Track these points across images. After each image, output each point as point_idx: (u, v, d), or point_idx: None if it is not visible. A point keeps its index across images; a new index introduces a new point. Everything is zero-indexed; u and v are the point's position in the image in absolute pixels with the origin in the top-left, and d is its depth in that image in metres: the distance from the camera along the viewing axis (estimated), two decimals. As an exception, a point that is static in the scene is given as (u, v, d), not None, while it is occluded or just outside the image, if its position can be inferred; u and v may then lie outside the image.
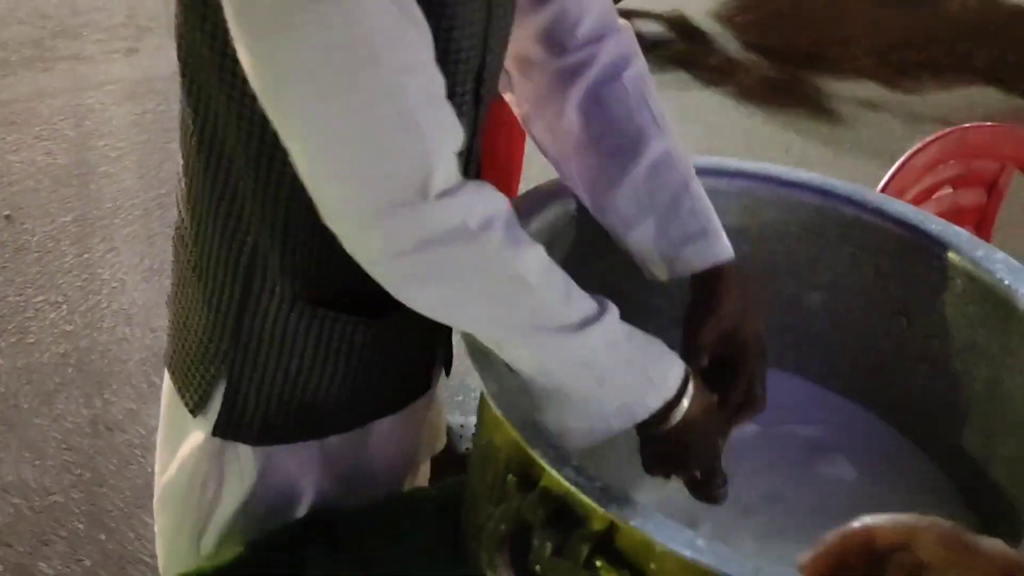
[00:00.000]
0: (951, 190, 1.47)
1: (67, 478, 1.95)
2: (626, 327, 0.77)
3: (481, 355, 0.76)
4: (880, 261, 1.00)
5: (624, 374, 0.76)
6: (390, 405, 0.97)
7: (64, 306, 2.38)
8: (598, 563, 0.68)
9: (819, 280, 1.04)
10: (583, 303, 0.75)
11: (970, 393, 0.95)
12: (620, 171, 0.89)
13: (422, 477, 1.13)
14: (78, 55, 3.53)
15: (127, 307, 2.40)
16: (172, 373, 0.94)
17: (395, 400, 0.98)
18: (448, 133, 0.71)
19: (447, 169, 0.70)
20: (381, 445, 0.99)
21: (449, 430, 1.45)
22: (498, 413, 0.72)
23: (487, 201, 0.72)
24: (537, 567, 0.76)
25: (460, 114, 0.74)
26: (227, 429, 0.90)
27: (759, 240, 1.03)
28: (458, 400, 2.06)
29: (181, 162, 0.85)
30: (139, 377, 2.20)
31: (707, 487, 0.84)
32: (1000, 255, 0.93)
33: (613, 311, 0.77)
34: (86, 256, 2.56)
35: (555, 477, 0.69)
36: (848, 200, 0.99)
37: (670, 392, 0.77)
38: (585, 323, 0.74)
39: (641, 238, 0.89)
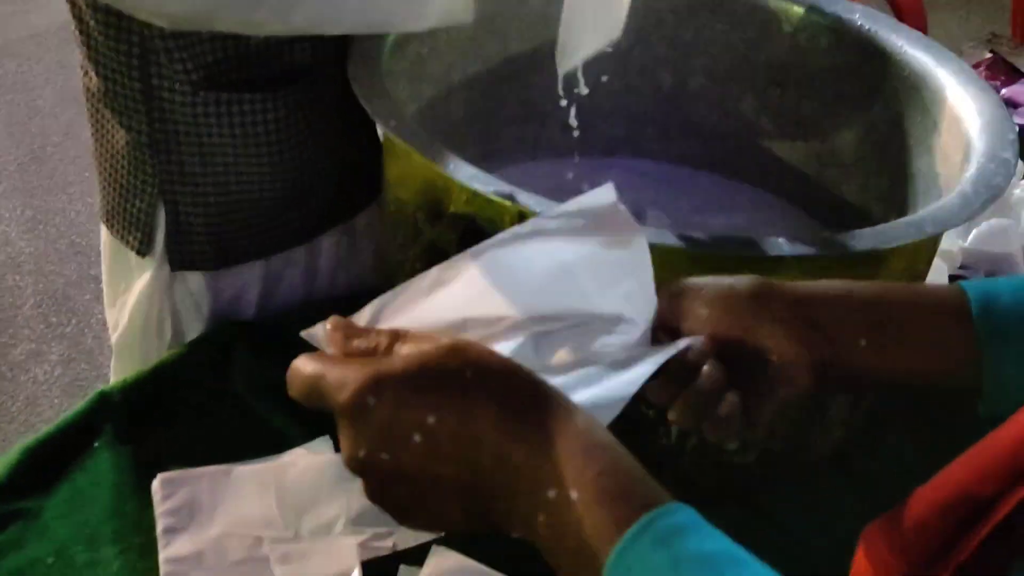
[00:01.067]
0: None
1: (-26, 422, 1.89)
2: None
3: (368, 93, 0.78)
4: (749, 34, 1.05)
5: None
6: (332, 214, 0.98)
7: (-52, 263, 2.30)
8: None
9: (696, 64, 1.09)
10: None
11: (842, 145, 1.01)
12: None
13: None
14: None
15: (15, 256, 2.33)
16: (111, 227, 0.94)
17: (337, 209, 0.98)
18: None
19: None
20: (327, 269, 1.01)
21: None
22: (400, 142, 0.74)
23: None
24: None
25: None
26: (179, 257, 0.91)
27: (636, 32, 1.07)
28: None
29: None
30: (37, 320, 2.15)
31: None
32: (858, 5, 0.99)
33: None
34: (-35, 214, 2.47)
35: (461, 196, 0.72)
36: (713, -24, 1.04)
37: None
38: None
39: None
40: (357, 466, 0.44)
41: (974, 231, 1.15)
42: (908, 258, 0.74)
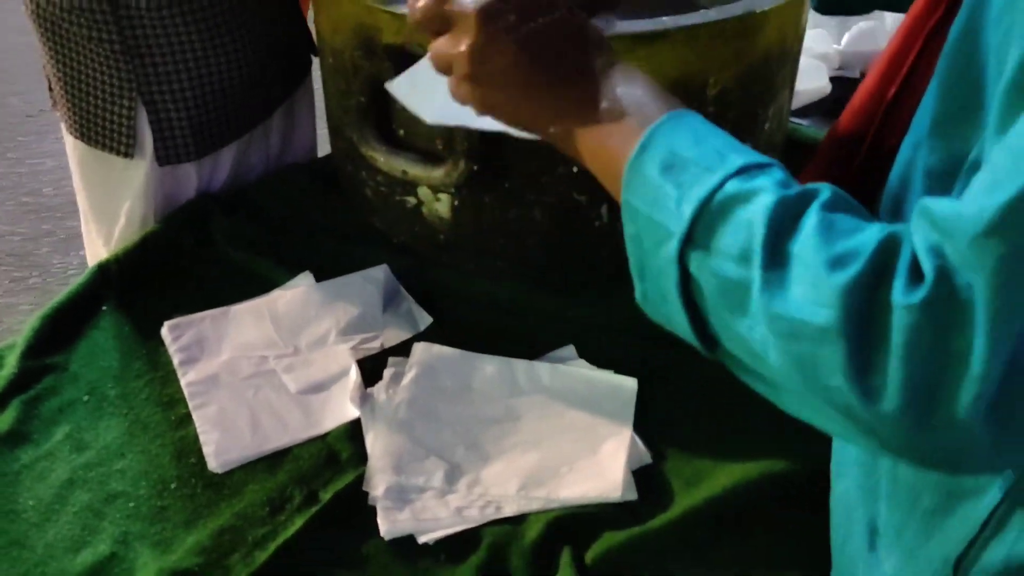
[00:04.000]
0: None
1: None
2: None
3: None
4: None
5: None
6: (283, 87, 1.07)
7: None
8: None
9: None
10: None
11: None
12: None
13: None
14: None
15: (-33, 224, 2.38)
16: (91, 139, 1.00)
17: (286, 82, 1.08)
18: None
19: None
20: (277, 142, 1.10)
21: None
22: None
23: None
24: (400, 130, 0.90)
25: None
26: (164, 153, 0.99)
27: None
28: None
29: None
30: (2, 277, 2.21)
31: None
32: None
33: None
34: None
35: (391, 27, 0.82)
36: None
37: None
38: None
39: None
40: (482, 44, 0.53)
41: (846, 34, 1.27)
42: (777, 25, 0.85)
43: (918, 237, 0.42)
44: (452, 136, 0.85)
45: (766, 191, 0.45)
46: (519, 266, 0.93)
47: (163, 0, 0.92)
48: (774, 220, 0.44)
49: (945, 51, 0.49)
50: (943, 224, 0.40)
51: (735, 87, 0.85)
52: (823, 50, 1.24)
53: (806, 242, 0.43)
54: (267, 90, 1.06)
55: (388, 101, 0.86)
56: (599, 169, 0.53)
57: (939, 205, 0.41)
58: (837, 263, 0.42)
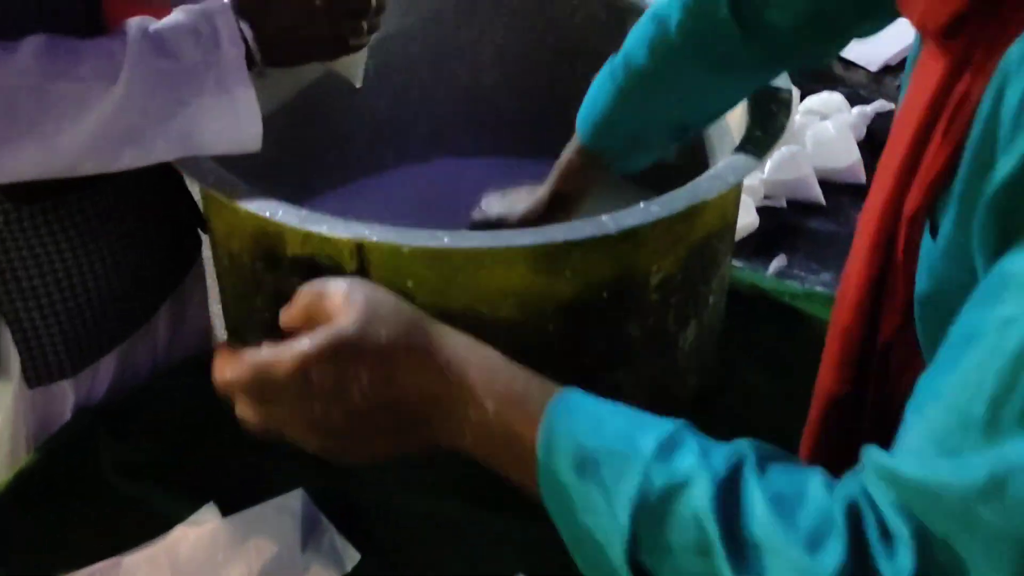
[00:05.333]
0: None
1: None
2: None
3: (189, 162, 0.77)
4: (533, 21, 1.09)
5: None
6: (167, 283, 0.96)
7: None
8: (363, 302, 0.72)
9: (486, 58, 1.12)
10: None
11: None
12: None
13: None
14: None
15: None
16: None
17: (171, 276, 0.97)
18: None
19: None
20: (165, 339, 0.99)
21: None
22: (224, 198, 0.73)
23: None
24: (313, 342, 0.80)
25: None
26: (35, 375, 0.87)
27: (422, 32, 1.09)
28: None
29: None
30: None
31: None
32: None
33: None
34: None
35: (296, 239, 0.72)
36: (486, -31, 1.07)
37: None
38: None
39: None
40: (307, 426, 0.53)
41: (768, 162, 1.24)
42: (719, 207, 0.79)
43: (880, 496, 0.42)
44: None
45: (697, 478, 0.45)
46: (461, 479, 0.83)
47: (25, 212, 0.80)
48: (721, 512, 0.43)
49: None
50: (910, 484, 0.40)
51: (677, 272, 0.78)
52: (748, 182, 1.20)
53: (767, 527, 0.43)
54: (152, 287, 0.94)
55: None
56: (498, 467, 0.51)
57: (902, 463, 0.41)
58: (814, 546, 0.41)
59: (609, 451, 0.47)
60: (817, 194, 1.19)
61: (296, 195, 1.07)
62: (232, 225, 0.79)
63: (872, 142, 1.28)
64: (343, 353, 0.52)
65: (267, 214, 0.71)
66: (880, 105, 1.29)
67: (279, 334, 0.78)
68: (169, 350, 1.01)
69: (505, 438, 0.50)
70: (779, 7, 0.73)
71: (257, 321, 0.77)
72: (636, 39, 0.80)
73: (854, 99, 1.36)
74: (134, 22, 0.75)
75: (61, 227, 0.83)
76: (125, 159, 0.75)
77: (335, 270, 0.73)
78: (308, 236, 0.71)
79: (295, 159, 1.06)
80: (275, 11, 0.77)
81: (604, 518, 0.46)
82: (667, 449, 0.46)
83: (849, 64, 1.45)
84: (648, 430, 0.47)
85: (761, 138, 0.79)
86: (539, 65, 1.10)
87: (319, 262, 0.73)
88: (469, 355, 0.53)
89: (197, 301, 1.03)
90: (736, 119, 0.92)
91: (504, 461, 0.51)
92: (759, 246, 1.14)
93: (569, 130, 0.99)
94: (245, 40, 0.76)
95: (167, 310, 0.99)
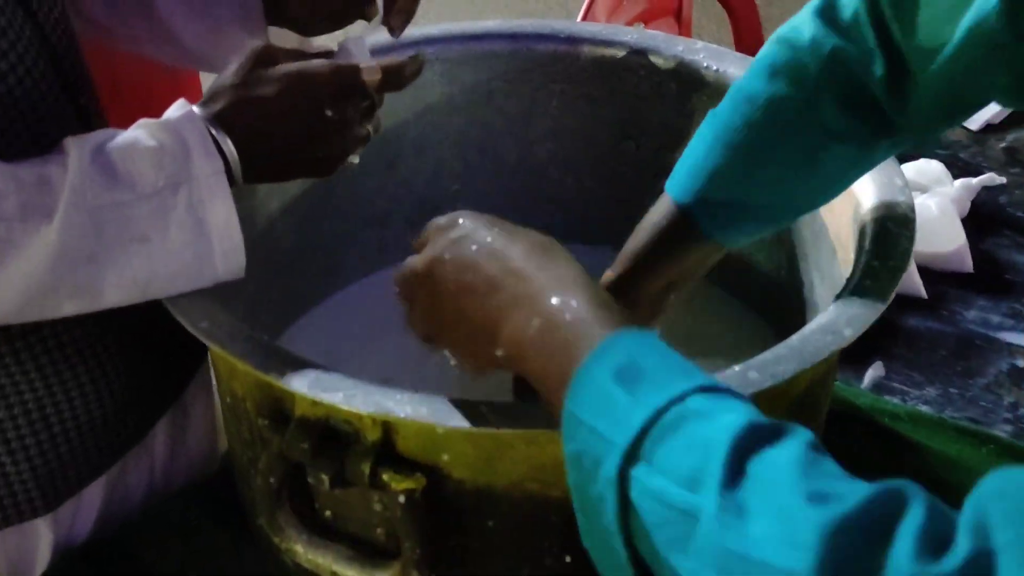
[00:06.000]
0: (643, 25, 1.46)
1: None
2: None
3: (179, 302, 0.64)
4: (590, 90, 0.95)
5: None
6: (164, 397, 0.84)
7: None
8: (386, 477, 0.59)
9: (538, 131, 0.98)
10: None
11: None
12: None
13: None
14: None
15: None
16: None
17: (168, 388, 0.84)
18: None
19: None
20: (163, 457, 0.86)
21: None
22: (218, 350, 0.60)
23: None
24: (327, 512, 0.67)
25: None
26: (7, 513, 0.75)
27: (468, 108, 0.96)
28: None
29: None
30: None
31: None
32: (700, 44, 0.90)
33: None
34: None
35: (305, 399, 0.59)
36: (538, 37, 0.93)
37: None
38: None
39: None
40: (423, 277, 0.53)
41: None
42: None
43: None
44: (400, 521, 0.62)
45: (735, 411, 0.40)
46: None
47: None
48: (740, 440, 0.38)
49: None
50: None
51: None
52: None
53: (779, 471, 0.37)
54: (145, 406, 0.81)
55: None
56: (549, 390, 0.47)
57: None
58: (818, 498, 0.35)
59: (659, 371, 0.43)
60: (917, 286, 1.03)
61: (318, 288, 0.97)
62: (232, 366, 0.66)
63: (977, 219, 1.12)
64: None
65: (270, 375, 0.58)
66: (989, 179, 1.12)
67: (290, 504, 0.65)
68: (168, 470, 0.88)
69: (568, 336, 0.46)
70: (926, 87, 0.62)
71: (262, 488, 0.64)
72: (753, 94, 0.67)
73: (952, 163, 1.19)
74: (76, 141, 0.61)
75: (31, 355, 0.71)
76: (67, 309, 0.62)
77: (353, 437, 0.60)
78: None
79: (315, 248, 0.94)
80: (263, 118, 0.63)
81: (615, 423, 0.41)
82: (724, 392, 0.42)
83: (945, 122, 1.29)
84: (711, 378, 0.43)
85: (879, 270, 0.64)
86: (597, 141, 0.96)
87: (333, 428, 0.59)
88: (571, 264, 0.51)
89: (201, 411, 0.90)
90: (837, 219, 0.77)
91: (554, 359, 0.46)
92: (851, 351, 0.98)
93: (630, 215, 0.86)
94: (223, 153, 0.62)
95: (165, 424, 0.86)
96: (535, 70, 0.94)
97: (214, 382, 0.87)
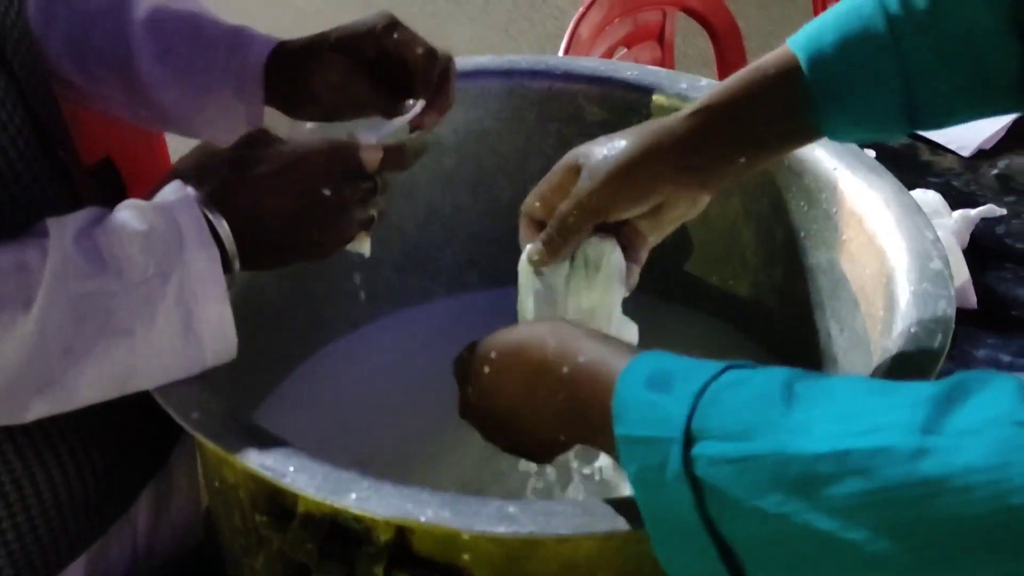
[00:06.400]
0: (627, 50, 1.42)
1: None
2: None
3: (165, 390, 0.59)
4: (589, 129, 0.90)
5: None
6: (147, 467, 0.78)
7: None
8: (401, 579, 0.54)
9: (533, 170, 0.93)
10: None
11: (708, 230, 0.89)
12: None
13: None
14: None
15: None
16: None
17: (153, 457, 0.79)
18: None
19: None
20: (146, 528, 0.81)
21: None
22: (210, 445, 0.55)
23: None
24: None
25: None
26: None
27: (459, 148, 0.91)
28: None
29: None
30: None
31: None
32: (704, 81, 0.86)
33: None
34: None
35: (312, 498, 0.53)
36: (533, 73, 0.89)
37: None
38: None
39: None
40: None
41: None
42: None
43: None
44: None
45: (769, 371, 0.44)
46: None
47: None
48: (790, 381, 0.43)
49: None
50: None
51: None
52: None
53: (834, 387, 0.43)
54: (127, 480, 0.76)
55: None
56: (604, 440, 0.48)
57: None
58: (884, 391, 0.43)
59: (688, 368, 0.46)
60: (971, 299, 1.00)
61: (307, 341, 0.91)
62: (225, 455, 0.60)
63: (976, 251, 1.09)
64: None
65: (271, 475, 0.52)
66: (989, 210, 1.09)
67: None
68: (151, 539, 0.82)
69: (594, 378, 0.49)
70: None
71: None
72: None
73: (946, 192, 1.17)
74: (58, 223, 0.56)
75: (7, 434, 0.65)
76: (33, 411, 0.56)
77: (363, 536, 0.54)
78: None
79: (301, 298, 0.88)
80: (258, 197, 0.58)
81: (662, 422, 0.44)
82: (747, 366, 0.46)
83: (937, 147, 1.26)
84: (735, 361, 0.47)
85: (923, 336, 0.60)
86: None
87: (343, 527, 0.54)
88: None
89: (184, 472, 0.85)
90: (859, 271, 0.74)
91: (587, 405, 0.49)
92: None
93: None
94: (218, 239, 0.57)
95: (148, 491, 0.80)
96: (530, 108, 0.90)
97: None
